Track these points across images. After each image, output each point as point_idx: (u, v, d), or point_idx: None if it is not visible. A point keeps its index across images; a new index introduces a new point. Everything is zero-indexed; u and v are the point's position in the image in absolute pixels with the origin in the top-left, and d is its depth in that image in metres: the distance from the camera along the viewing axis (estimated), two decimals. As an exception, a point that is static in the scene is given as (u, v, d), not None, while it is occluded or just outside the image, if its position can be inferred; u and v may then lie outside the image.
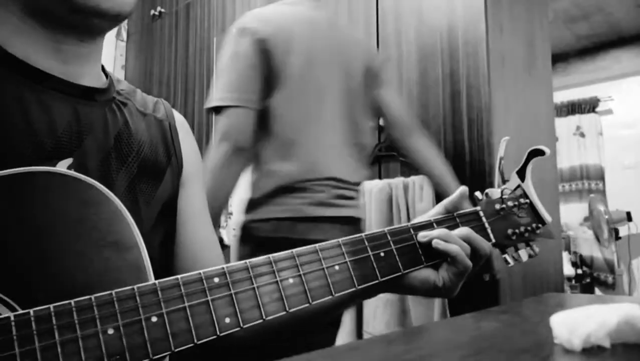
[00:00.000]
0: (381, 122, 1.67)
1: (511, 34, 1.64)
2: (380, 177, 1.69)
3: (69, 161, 0.52)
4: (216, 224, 1.25)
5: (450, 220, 0.62)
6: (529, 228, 0.66)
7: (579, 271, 4.10)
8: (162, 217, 0.62)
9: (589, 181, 4.31)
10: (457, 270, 0.58)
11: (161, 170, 0.63)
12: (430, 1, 1.62)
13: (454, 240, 0.59)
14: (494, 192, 0.67)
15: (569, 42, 4.40)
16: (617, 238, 3.94)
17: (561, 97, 4.48)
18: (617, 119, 4.32)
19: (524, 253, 0.66)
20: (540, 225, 0.67)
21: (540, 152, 0.67)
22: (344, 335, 1.62)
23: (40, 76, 0.53)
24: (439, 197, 1.54)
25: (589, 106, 4.41)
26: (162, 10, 2.77)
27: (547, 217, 0.68)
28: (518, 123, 1.62)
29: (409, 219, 1.54)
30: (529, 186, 0.68)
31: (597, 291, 4.15)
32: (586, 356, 0.34)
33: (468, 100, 1.50)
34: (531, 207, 0.68)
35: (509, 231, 0.65)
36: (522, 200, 0.68)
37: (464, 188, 0.64)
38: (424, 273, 0.60)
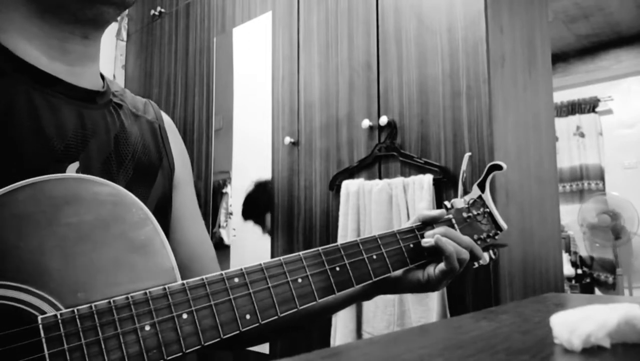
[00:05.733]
0: (382, 121, 1.67)
1: (511, 34, 1.64)
2: (380, 177, 1.69)
3: (76, 164, 0.53)
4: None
5: (428, 227, 0.70)
6: (490, 234, 0.75)
7: (579, 271, 4.10)
8: (156, 217, 0.63)
9: (589, 181, 4.31)
10: (445, 268, 0.65)
11: (154, 171, 0.64)
12: (430, 1, 1.63)
13: (449, 242, 0.66)
14: (458, 202, 0.76)
15: (569, 42, 4.40)
16: (617, 238, 3.94)
17: (561, 97, 4.48)
18: (617, 119, 4.32)
19: (485, 257, 0.74)
20: (498, 232, 0.76)
21: (498, 167, 0.76)
22: (344, 335, 1.62)
23: (49, 80, 0.54)
24: (439, 197, 1.54)
25: (589, 106, 4.41)
26: (162, 10, 2.77)
27: (504, 225, 0.76)
28: (518, 123, 1.62)
29: (408, 219, 1.54)
30: (488, 196, 0.77)
31: (597, 291, 4.16)
32: (586, 356, 0.34)
33: (468, 100, 1.50)
34: (490, 215, 0.76)
35: (475, 236, 0.73)
36: (483, 209, 0.76)
37: (443, 212, 0.73)
38: (409, 276, 0.68)
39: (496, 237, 0.75)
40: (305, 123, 1.95)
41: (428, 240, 0.66)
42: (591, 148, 4.35)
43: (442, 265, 0.65)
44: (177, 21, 2.67)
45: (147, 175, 0.63)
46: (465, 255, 0.66)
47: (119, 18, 2.97)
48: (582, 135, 4.42)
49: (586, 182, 4.33)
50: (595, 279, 4.15)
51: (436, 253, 0.66)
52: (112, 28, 3.00)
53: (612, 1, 3.69)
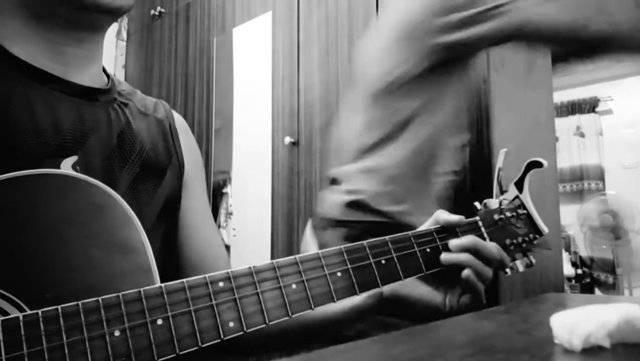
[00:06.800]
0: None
1: (511, 34, 1.63)
2: (380, 177, 1.69)
3: (74, 159, 0.53)
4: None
5: (450, 233, 0.63)
6: (526, 238, 0.68)
7: (579, 271, 4.10)
8: (163, 215, 0.62)
9: (589, 181, 4.31)
10: (470, 303, 0.59)
11: (162, 170, 0.64)
12: (430, 1, 1.62)
13: (484, 273, 0.59)
14: (492, 203, 0.68)
15: (569, 42, 4.39)
16: (617, 238, 3.94)
17: (561, 97, 4.48)
18: (617, 119, 4.32)
19: (521, 264, 0.67)
20: (537, 236, 0.69)
21: (538, 164, 0.69)
22: (344, 335, 1.62)
23: (45, 77, 0.54)
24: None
25: (589, 106, 4.41)
26: (162, 10, 2.77)
27: (544, 228, 0.69)
28: (518, 123, 1.62)
29: (409, 219, 1.54)
30: (526, 197, 0.69)
31: (597, 291, 4.15)
32: (586, 356, 0.34)
33: (468, 100, 1.50)
34: (529, 217, 0.69)
35: (507, 241, 0.66)
36: (520, 211, 0.69)
37: (460, 218, 0.64)
38: (427, 297, 0.62)
39: (535, 242, 0.68)
40: (305, 123, 1.95)
41: (451, 259, 0.59)
42: (591, 148, 4.35)
43: (466, 300, 0.60)
44: (177, 21, 2.67)
45: (155, 173, 0.63)
46: (489, 273, 0.60)
47: (118, 18, 2.97)
48: (582, 135, 4.42)
49: (586, 182, 4.33)
50: (595, 279, 4.15)
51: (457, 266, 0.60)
52: (112, 28, 3.00)
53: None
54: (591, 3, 0.84)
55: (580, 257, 4.20)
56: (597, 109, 4.40)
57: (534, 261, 0.68)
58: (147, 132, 0.64)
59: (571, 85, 4.50)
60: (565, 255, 4.05)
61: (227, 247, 2.19)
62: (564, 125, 4.44)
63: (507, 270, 0.66)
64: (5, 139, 0.49)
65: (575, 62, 4.50)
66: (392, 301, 0.62)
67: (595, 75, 4.43)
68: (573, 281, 4.05)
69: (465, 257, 0.59)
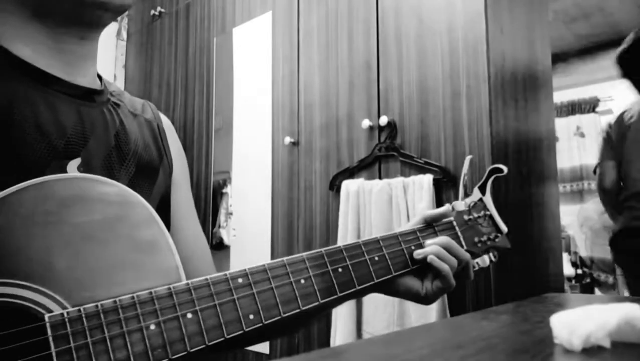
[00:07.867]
0: (382, 121, 1.67)
1: (511, 34, 1.64)
2: (380, 177, 1.69)
3: (78, 161, 0.54)
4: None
5: (430, 228, 0.71)
6: (490, 237, 0.76)
7: (579, 271, 4.10)
8: (159, 214, 0.63)
9: (589, 181, 4.31)
10: (442, 285, 0.66)
11: (155, 169, 0.65)
12: (430, 1, 1.62)
13: (446, 258, 0.66)
14: (459, 205, 0.76)
15: (569, 42, 4.39)
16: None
17: (561, 97, 4.48)
18: (617, 119, 4.31)
19: (485, 259, 0.75)
20: (498, 235, 0.77)
21: (499, 170, 0.77)
22: (344, 335, 1.62)
23: (47, 78, 0.54)
24: (439, 197, 1.54)
25: (589, 106, 4.42)
26: (162, 10, 2.77)
27: (504, 228, 0.78)
28: (518, 123, 1.62)
29: (408, 219, 1.54)
30: (489, 199, 0.78)
31: (597, 291, 4.15)
32: (586, 356, 0.34)
33: (468, 100, 1.50)
34: (491, 218, 0.77)
35: (475, 239, 0.74)
36: (484, 212, 0.77)
37: (448, 207, 0.73)
38: (409, 283, 0.68)
39: (496, 240, 0.76)
40: (305, 123, 1.95)
41: (421, 252, 0.66)
42: (591, 149, 4.35)
43: (438, 283, 0.66)
44: (177, 21, 2.67)
45: (149, 172, 0.64)
46: (452, 260, 0.67)
47: (118, 18, 2.97)
48: (582, 135, 4.42)
49: (586, 182, 4.33)
50: (595, 279, 4.15)
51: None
52: (112, 28, 3.00)
53: (612, 1, 3.69)
54: None
55: (580, 257, 4.20)
56: (597, 109, 4.40)
57: (494, 259, 0.76)
58: (139, 133, 0.65)
59: (571, 85, 4.50)
60: (565, 255, 4.05)
61: (227, 247, 2.19)
62: (564, 125, 4.44)
63: (475, 264, 0.73)
64: (10, 140, 0.50)
65: (575, 61, 4.51)
66: (376, 283, 0.66)
67: (595, 75, 4.44)
68: (573, 281, 4.05)
69: (430, 248, 0.66)
